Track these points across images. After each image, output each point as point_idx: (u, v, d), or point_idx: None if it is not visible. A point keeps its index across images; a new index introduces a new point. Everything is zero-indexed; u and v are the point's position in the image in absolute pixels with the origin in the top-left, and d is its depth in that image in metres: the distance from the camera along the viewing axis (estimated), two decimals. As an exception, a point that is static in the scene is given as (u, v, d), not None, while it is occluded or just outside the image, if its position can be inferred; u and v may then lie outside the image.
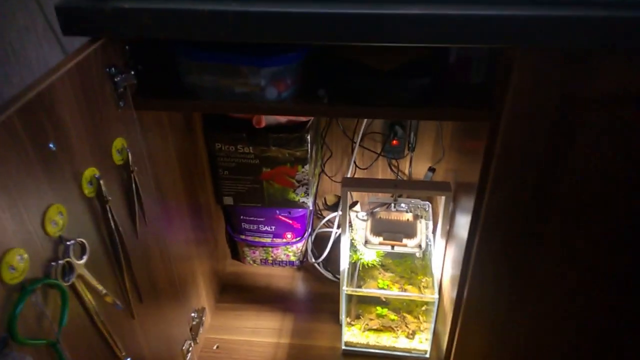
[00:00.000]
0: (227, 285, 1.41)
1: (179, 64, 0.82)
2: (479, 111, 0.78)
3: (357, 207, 1.22)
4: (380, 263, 1.20)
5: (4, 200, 0.54)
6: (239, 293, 1.38)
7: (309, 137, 1.16)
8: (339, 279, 1.36)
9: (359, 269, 1.21)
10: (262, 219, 1.34)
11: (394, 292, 1.15)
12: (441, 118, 1.16)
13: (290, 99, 0.82)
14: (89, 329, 0.71)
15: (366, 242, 1.08)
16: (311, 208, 1.30)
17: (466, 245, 0.91)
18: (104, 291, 0.72)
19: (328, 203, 1.56)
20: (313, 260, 1.41)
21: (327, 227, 1.50)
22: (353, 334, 1.20)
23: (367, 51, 0.80)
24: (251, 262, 1.46)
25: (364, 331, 1.19)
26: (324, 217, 1.50)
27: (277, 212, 1.31)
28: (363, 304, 1.22)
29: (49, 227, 0.61)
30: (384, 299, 1.18)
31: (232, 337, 1.26)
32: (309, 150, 1.18)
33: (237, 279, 1.43)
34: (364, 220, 1.12)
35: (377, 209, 1.18)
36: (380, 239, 1.07)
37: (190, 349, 1.11)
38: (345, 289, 1.11)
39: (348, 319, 1.19)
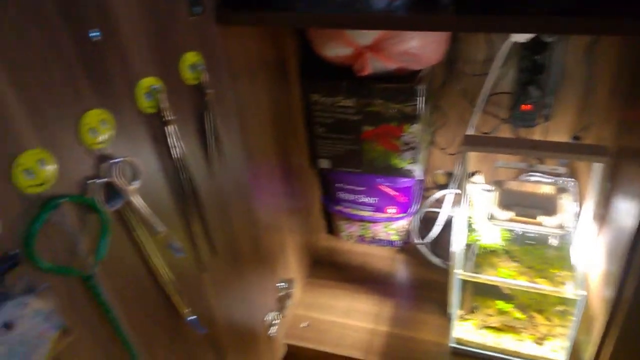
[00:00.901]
0: (320, 261, 1.26)
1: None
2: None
3: (478, 179, 1.00)
4: (503, 248, 0.97)
5: (21, 91, 0.42)
6: (332, 270, 1.23)
7: (421, 89, 0.97)
8: (448, 264, 1.14)
9: (475, 254, 0.99)
10: (361, 189, 1.17)
11: (525, 282, 0.90)
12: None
13: (403, 8, 0.64)
14: (140, 270, 0.59)
15: (491, 217, 0.86)
16: (419, 178, 1.10)
17: (633, 235, 0.68)
18: (162, 229, 0.60)
19: (438, 182, 1.35)
20: (418, 240, 1.21)
21: (436, 208, 1.28)
22: (466, 330, 0.98)
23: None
24: (347, 238, 1.30)
25: (479, 328, 0.97)
26: (432, 196, 1.29)
27: (379, 180, 1.14)
28: (479, 295, 1.00)
29: (86, 135, 0.49)
30: (507, 292, 0.95)
31: (324, 316, 1.11)
32: (421, 105, 0.99)
33: (330, 254, 1.28)
34: (488, 191, 0.90)
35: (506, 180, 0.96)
36: (511, 214, 0.84)
37: (276, 321, 0.98)
38: (459, 273, 0.90)
39: (461, 312, 0.98)
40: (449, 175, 1.30)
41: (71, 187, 0.49)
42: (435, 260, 1.19)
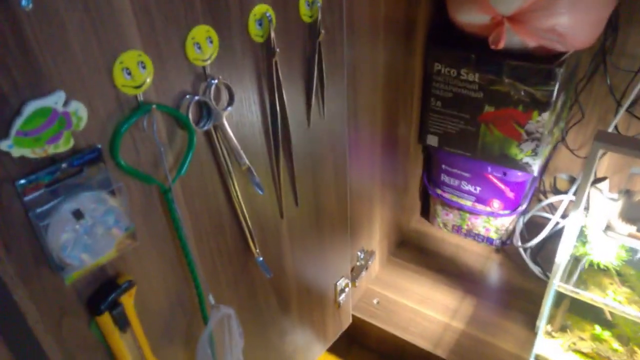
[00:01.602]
0: (407, 242, 1.20)
1: None
2: None
3: (604, 185, 0.87)
4: (616, 269, 0.84)
5: None
6: (418, 254, 1.16)
7: (560, 73, 0.86)
8: (547, 275, 1.03)
9: (581, 269, 0.87)
10: (467, 175, 1.08)
11: (635, 311, 0.78)
12: None
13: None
14: (218, 197, 0.59)
15: (607, 228, 0.75)
16: (536, 174, 0.99)
17: None
18: (246, 162, 0.58)
19: (557, 186, 1.21)
20: (519, 243, 1.10)
21: (546, 213, 1.16)
22: (551, 348, 0.88)
23: None
24: (441, 225, 1.22)
25: (567, 350, 0.86)
26: (546, 200, 1.16)
27: (489, 169, 1.04)
28: (575, 314, 0.89)
29: (190, 49, 0.48)
30: (608, 317, 0.83)
31: (398, 298, 1.05)
32: (555, 93, 0.88)
33: (420, 238, 1.21)
34: (612, 200, 0.78)
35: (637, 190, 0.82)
36: (633, 228, 0.72)
37: (347, 289, 0.95)
38: (557, 284, 0.79)
39: (549, 327, 0.88)
40: (573, 181, 1.17)
41: (166, 98, 0.48)
42: (535, 268, 1.08)
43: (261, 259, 0.68)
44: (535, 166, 0.97)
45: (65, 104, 0.40)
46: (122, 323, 0.52)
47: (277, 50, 0.56)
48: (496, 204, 1.08)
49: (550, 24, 0.81)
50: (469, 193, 1.10)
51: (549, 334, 0.88)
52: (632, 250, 0.81)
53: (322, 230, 0.82)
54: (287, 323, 0.81)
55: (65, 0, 0.38)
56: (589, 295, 0.78)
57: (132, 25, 0.43)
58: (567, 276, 0.85)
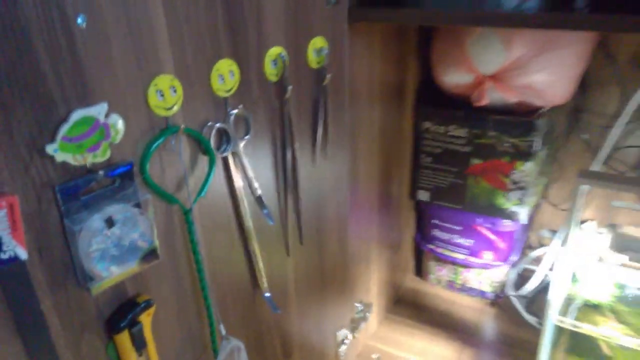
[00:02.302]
0: (403, 300, 1.21)
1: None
2: None
3: (590, 225, 0.92)
4: (610, 305, 0.86)
5: (170, 19, 0.47)
6: (414, 310, 1.17)
7: (539, 124, 0.93)
8: (542, 324, 1.04)
9: (576, 310, 0.89)
10: (458, 228, 1.12)
11: (635, 339, 0.79)
12: None
13: (535, 9, 0.63)
14: (231, 224, 0.61)
15: (600, 259, 0.78)
16: (524, 222, 1.04)
17: None
18: (259, 191, 0.61)
19: (541, 243, 1.26)
20: (513, 292, 1.12)
21: (536, 266, 1.19)
22: (554, 395, 0.87)
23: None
24: (435, 281, 1.23)
25: (571, 393, 0.86)
26: (534, 252, 1.20)
27: (479, 220, 1.08)
28: (574, 354, 0.89)
29: (214, 80, 0.53)
30: (606, 351, 0.84)
31: (397, 352, 1.04)
32: (536, 143, 0.95)
33: (415, 296, 1.22)
34: (600, 233, 0.82)
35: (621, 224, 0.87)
36: (624, 258, 0.76)
37: (347, 341, 0.94)
38: (556, 318, 0.81)
39: (550, 372, 0.88)
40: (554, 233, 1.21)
41: (191, 123, 0.52)
42: (529, 318, 1.09)
43: (269, 294, 0.69)
44: (523, 214, 1.02)
45: (107, 116, 0.44)
46: (140, 343, 0.52)
47: (289, 88, 0.62)
48: (488, 256, 1.11)
49: (527, 81, 0.90)
50: (461, 246, 1.14)
51: (551, 379, 0.88)
52: (622, 287, 0.83)
53: (324, 275, 0.83)
54: (290, 369, 0.80)
55: (113, 22, 0.43)
56: (588, 327, 0.80)
57: (167, 52, 0.48)
58: (562, 316, 0.86)
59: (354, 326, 0.98)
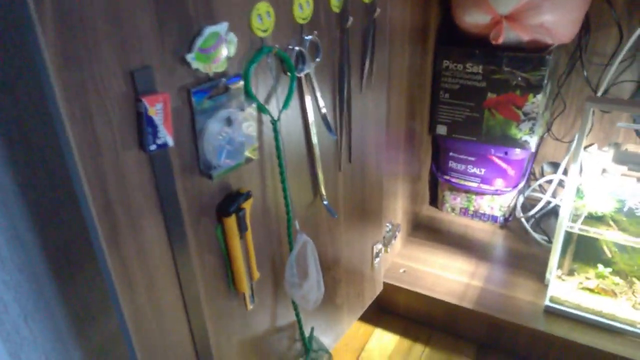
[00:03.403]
0: (421, 225, 1.34)
1: None
2: None
3: (593, 148, 1.05)
4: (611, 215, 1.00)
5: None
6: (432, 234, 1.30)
7: (549, 60, 1.05)
8: (549, 242, 1.19)
9: (582, 221, 1.03)
10: (472, 159, 1.25)
11: (634, 237, 0.92)
12: None
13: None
14: (301, 136, 0.73)
15: (603, 171, 0.91)
16: (533, 150, 1.16)
17: None
18: (324, 109, 0.73)
19: (544, 174, 1.39)
20: (521, 214, 1.26)
21: (539, 193, 1.33)
22: (563, 289, 1.02)
23: None
24: (450, 209, 1.37)
25: (577, 289, 1.01)
26: (540, 179, 1.34)
27: (492, 150, 1.21)
28: (579, 261, 1.03)
29: (296, 9, 0.63)
30: (608, 254, 0.98)
31: (420, 267, 1.18)
32: (546, 77, 1.06)
33: (432, 222, 1.36)
34: (604, 151, 0.95)
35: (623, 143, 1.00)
36: (624, 169, 0.89)
37: (380, 254, 1.07)
38: (567, 225, 0.95)
39: (560, 271, 1.02)
40: (557, 167, 1.35)
41: (279, 45, 0.63)
42: (536, 236, 1.23)
43: (326, 202, 0.81)
44: (533, 143, 1.14)
45: (226, 33, 0.54)
46: (242, 227, 0.64)
47: (351, 18, 0.72)
48: (499, 182, 1.24)
49: (540, 20, 1.01)
50: (475, 175, 1.27)
51: (559, 277, 1.03)
52: (622, 202, 0.97)
53: (364, 193, 0.96)
54: (337, 272, 0.93)
55: (232, -43, 0.53)
56: (594, 230, 0.93)
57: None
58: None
59: (386, 242, 1.11)
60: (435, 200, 1.41)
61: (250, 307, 0.71)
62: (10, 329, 0.59)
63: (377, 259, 1.07)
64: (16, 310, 0.59)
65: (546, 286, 1.05)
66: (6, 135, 0.53)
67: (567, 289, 1.01)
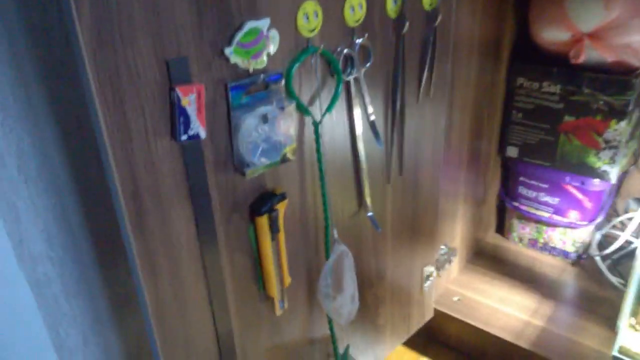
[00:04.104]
0: (483, 253, 1.26)
1: None
2: None
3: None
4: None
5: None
6: (494, 264, 1.22)
7: (636, 83, 0.95)
8: (626, 286, 1.06)
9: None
10: (545, 186, 1.16)
11: None
12: None
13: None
14: (346, 142, 0.70)
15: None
16: (613, 182, 1.06)
17: None
18: (372, 116, 0.70)
19: (627, 210, 1.26)
20: (597, 252, 1.14)
21: (621, 232, 1.20)
22: (634, 341, 0.90)
23: None
24: (517, 239, 1.27)
25: (652, 341, 0.89)
26: (617, 217, 1.21)
27: (567, 179, 1.11)
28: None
29: (347, 11, 0.62)
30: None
31: (477, 297, 1.11)
32: (632, 102, 0.96)
33: (495, 251, 1.27)
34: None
35: None
36: None
37: (431, 278, 1.02)
38: (642, 269, 0.84)
39: (632, 320, 0.91)
40: (646, 203, 1.21)
41: (326, 46, 0.61)
42: (613, 278, 1.11)
43: (371, 213, 0.78)
44: (613, 174, 1.04)
45: (268, 29, 0.54)
46: (274, 228, 0.62)
47: (407, 23, 0.69)
48: (574, 215, 1.14)
49: (626, 41, 0.92)
50: (547, 204, 1.17)
51: (632, 326, 0.91)
52: None
53: (416, 210, 0.91)
54: (380, 290, 0.89)
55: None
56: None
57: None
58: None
59: (439, 266, 1.05)
60: (502, 227, 1.32)
61: (279, 312, 0.69)
62: (52, 304, 0.61)
63: (428, 283, 1.01)
64: (58, 287, 0.62)
65: (616, 334, 0.94)
66: (63, 124, 0.55)
67: (641, 339, 0.90)
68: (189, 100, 0.50)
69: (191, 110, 0.50)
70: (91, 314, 0.66)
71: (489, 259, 1.23)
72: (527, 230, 1.24)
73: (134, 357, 0.73)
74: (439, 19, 0.75)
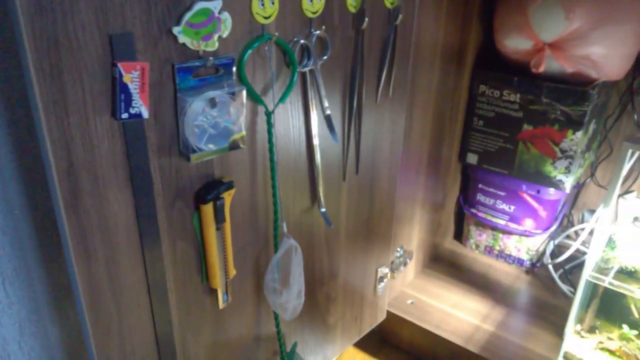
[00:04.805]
0: (440, 258, 1.27)
1: None
2: None
3: (631, 196, 0.95)
4: (645, 273, 0.90)
5: None
6: (450, 269, 1.23)
7: (593, 95, 0.97)
8: (575, 293, 1.08)
9: (611, 274, 0.93)
10: (502, 193, 1.17)
11: None
12: None
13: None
14: (301, 138, 0.70)
15: (635, 219, 0.82)
16: (567, 192, 1.08)
17: None
18: (328, 110, 0.69)
19: (583, 222, 1.29)
20: (549, 261, 1.16)
21: (574, 241, 1.22)
22: (579, 347, 0.92)
23: None
24: (474, 246, 1.29)
25: (596, 348, 0.90)
26: (572, 227, 1.23)
27: (524, 187, 1.13)
28: (603, 317, 0.93)
29: (305, 1, 0.61)
30: (636, 315, 0.88)
31: (431, 301, 1.11)
32: (588, 113, 0.99)
33: (452, 256, 1.28)
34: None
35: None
36: (661, 219, 0.80)
37: (385, 280, 1.01)
38: (591, 274, 0.86)
39: (578, 327, 0.93)
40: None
41: (282, 35, 0.60)
42: (564, 287, 1.13)
43: (324, 210, 0.77)
44: (568, 184, 1.06)
45: (220, 11, 0.53)
46: (220, 217, 0.61)
47: (366, 19, 0.69)
48: (529, 223, 1.16)
49: (585, 52, 0.94)
50: (503, 212, 1.19)
51: (577, 333, 0.93)
52: (659, 254, 0.87)
53: (373, 210, 0.91)
54: (332, 288, 0.88)
55: None
56: (624, 286, 0.84)
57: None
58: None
59: (394, 267, 1.05)
60: (460, 234, 1.33)
61: (222, 305, 0.67)
62: (-14, 289, 0.59)
63: (382, 284, 1.01)
64: (-7, 272, 0.59)
65: (563, 340, 0.95)
66: (5, 97, 0.53)
67: (585, 347, 0.91)
68: (132, 77, 0.48)
69: (133, 87, 0.49)
70: (29, 303, 0.63)
71: (445, 264, 1.24)
72: (483, 237, 1.26)
73: (75, 349, 0.70)
74: (400, 18, 0.75)
